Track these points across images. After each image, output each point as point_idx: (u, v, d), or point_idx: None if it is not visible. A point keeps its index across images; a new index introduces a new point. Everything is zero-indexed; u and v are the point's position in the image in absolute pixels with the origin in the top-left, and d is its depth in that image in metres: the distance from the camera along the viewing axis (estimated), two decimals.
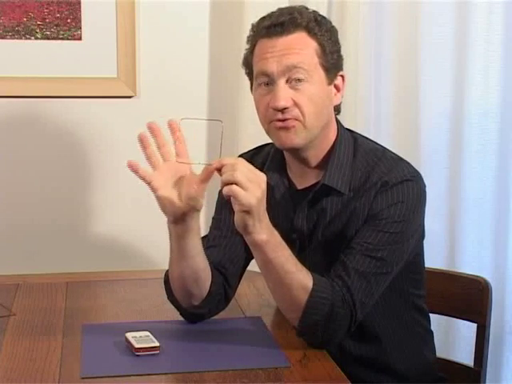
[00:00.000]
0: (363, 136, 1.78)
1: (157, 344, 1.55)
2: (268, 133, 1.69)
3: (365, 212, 1.65)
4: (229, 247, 1.76)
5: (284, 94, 1.62)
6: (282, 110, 1.62)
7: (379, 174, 1.66)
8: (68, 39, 2.33)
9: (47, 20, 2.32)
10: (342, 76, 1.71)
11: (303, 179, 1.73)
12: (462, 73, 2.43)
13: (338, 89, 1.70)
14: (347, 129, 1.77)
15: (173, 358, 1.55)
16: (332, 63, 1.66)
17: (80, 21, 2.33)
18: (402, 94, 2.44)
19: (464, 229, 2.48)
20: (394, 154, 1.73)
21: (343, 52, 1.72)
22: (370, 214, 1.64)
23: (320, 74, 1.65)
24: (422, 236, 1.76)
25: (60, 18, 2.32)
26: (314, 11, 1.69)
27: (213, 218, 1.84)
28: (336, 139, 1.72)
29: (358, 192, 1.67)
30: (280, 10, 1.68)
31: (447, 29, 2.42)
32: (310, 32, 1.64)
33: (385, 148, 1.75)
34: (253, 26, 1.69)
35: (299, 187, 1.74)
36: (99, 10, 2.33)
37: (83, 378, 1.46)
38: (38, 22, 2.32)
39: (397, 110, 2.45)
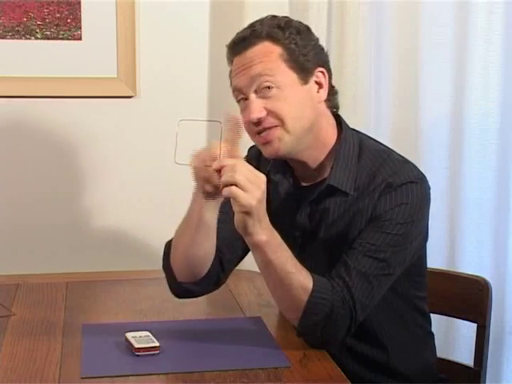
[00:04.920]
0: (369, 137, 1.78)
1: (157, 344, 1.55)
2: (257, 146, 1.71)
3: (368, 213, 1.64)
4: (229, 233, 1.74)
5: (255, 106, 1.62)
6: (258, 122, 1.62)
7: (384, 176, 1.65)
8: (68, 39, 2.33)
9: (47, 20, 2.32)
10: (322, 72, 1.68)
11: (307, 177, 1.74)
12: (461, 73, 2.43)
13: (320, 85, 1.68)
14: (353, 129, 1.76)
15: (173, 358, 1.55)
16: (303, 64, 1.65)
17: (80, 21, 2.33)
18: (401, 94, 2.44)
19: (464, 229, 2.48)
20: (399, 155, 1.72)
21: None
22: (373, 215, 1.64)
23: (290, 77, 1.63)
24: (425, 238, 1.75)
25: (60, 18, 2.32)
26: (281, 17, 1.69)
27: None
28: (338, 138, 1.71)
29: (362, 193, 1.66)
30: (243, 28, 1.69)
31: (447, 29, 2.42)
32: (274, 39, 1.63)
33: (390, 149, 1.74)
34: (226, 46, 1.71)
35: (303, 184, 1.74)
36: (99, 9, 2.33)
37: (83, 378, 1.46)
38: (38, 22, 2.32)
39: (397, 110, 2.45)
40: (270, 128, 1.63)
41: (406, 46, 2.42)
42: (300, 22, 1.71)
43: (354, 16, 2.33)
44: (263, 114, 1.62)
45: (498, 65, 2.42)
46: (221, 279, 1.75)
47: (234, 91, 1.68)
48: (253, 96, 1.63)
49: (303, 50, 1.65)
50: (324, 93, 1.69)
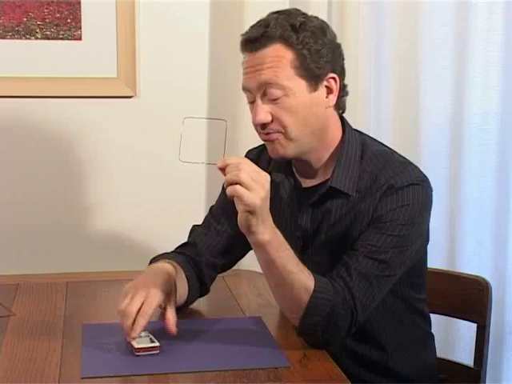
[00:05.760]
0: (372, 138, 1.77)
1: (157, 344, 1.55)
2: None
3: (369, 214, 1.64)
4: (211, 254, 1.82)
5: (260, 111, 1.62)
6: (263, 126, 1.63)
7: (386, 178, 1.65)
8: (68, 39, 2.33)
9: (47, 20, 2.32)
10: (334, 78, 1.65)
11: (308, 178, 1.74)
12: (461, 73, 2.43)
13: (330, 90, 1.66)
14: (356, 130, 1.75)
15: (173, 358, 1.55)
16: (314, 71, 1.62)
17: (80, 21, 2.33)
18: (402, 94, 2.44)
19: (464, 229, 2.48)
20: (402, 157, 1.72)
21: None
22: (374, 217, 1.64)
23: (299, 85, 1.61)
24: (427, 240, 1.75)
25: (60, 18, 2.32)
26: (297, 14, 1.65)
27: (210, 208, 1.87)
28: (342, 140, 1.71)
29: (364, 194, 1.66)
30: (259, 21, 1.65)
31: (447, 29, 2.42)
32: (287, 42, 1.60)
33: (393, 150, 1.73)
34: (241, 35, 1.67)
35: (305, 186, 1.74)
36: (99, 9, 2.33)
37: (83, 378, 1.46)
38: (38, 22, 2.31)
39: (397, 110, 2.45)
40: (273, 133, 1.64)
41: (405, 46, 2.42)
42: (317, 20, 1.67)
43: (354, 16, 2.33)
44: (268, 118, 1.62)
45: (497, 65, 2.43)
46: (203, 293, 1.83)
47: (243, 89, 1.67)
48: (259, 100, 1.62)
49: (315, 56, 1.62)
50: (333, 98, 1.67)
